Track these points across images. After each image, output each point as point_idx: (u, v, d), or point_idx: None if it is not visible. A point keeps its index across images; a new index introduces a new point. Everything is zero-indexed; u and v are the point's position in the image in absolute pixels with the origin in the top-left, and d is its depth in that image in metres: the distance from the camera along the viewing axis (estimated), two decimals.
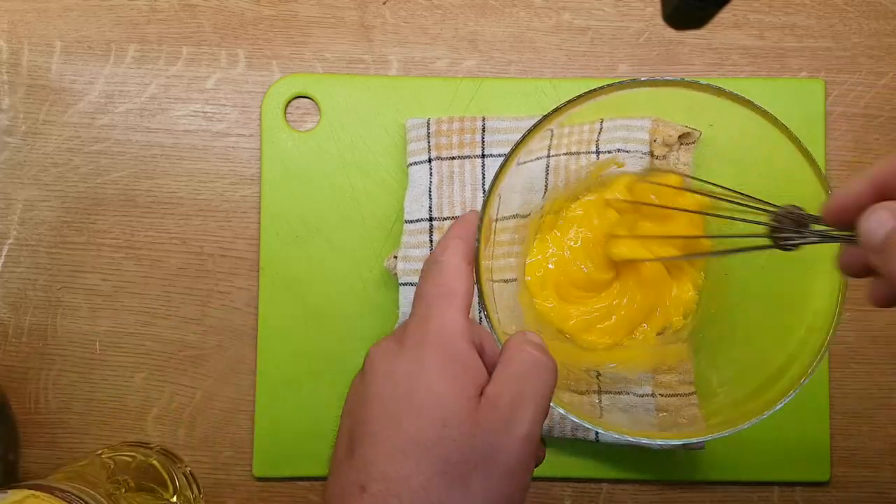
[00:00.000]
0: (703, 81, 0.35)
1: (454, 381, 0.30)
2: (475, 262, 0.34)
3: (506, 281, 0.41)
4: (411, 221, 0.44)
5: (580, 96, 0.35)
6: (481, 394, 0.31)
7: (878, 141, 0.47)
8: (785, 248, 0.31)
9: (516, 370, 0.31)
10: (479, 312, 0.37)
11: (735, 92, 0.34)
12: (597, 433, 0.43)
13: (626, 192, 0.42)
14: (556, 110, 0.35)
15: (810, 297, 0.36)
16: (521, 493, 0.30)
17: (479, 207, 0.44)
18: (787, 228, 0.30)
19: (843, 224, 0.29)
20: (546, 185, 0.42)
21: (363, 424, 0.31)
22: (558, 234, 0.43)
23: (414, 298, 0.33)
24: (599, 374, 0.42)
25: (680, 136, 0.42)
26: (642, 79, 0.35)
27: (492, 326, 0.34)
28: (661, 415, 0.40)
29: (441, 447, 0.29)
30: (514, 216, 0.42)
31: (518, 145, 0.35)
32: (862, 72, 0.47)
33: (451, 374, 0.31)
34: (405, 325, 0.33)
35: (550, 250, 0.43)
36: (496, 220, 0.38)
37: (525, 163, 0.40)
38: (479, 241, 0.34)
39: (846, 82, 0.47)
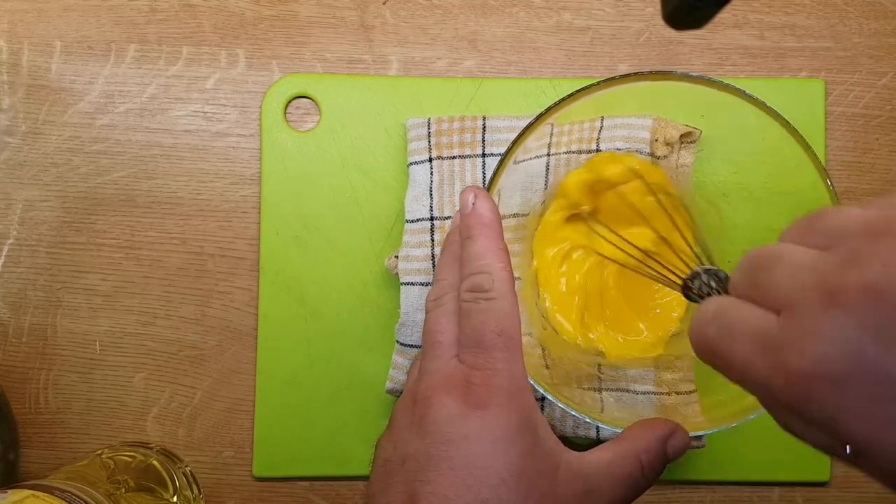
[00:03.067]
0: (697, 74, 0.35)
1: (532, 448, 0.30)
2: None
3: None
4: (412, 221, 0.44)
5: (576, 92, 0.35)
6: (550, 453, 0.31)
7: (878, 141, 0.47)
8: (692, 300, 0.32)
9: (617, 472, 0.32)
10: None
11: (731, 84, 0.35)
12: (598, 431, 0.43)
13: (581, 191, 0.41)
14: (551, 108, 0.35)
15: None
16: None
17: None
18: (697, 285, 0.32)
19: None
20: (546, 184, 0.42)
21: (431, 485, 0.30)
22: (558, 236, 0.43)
23: (467, 334, 0.32)
24: (601, 370, 0.42)
25: (681, 136, 0.42)
26: (637, 72, 0.35)
27: None
28: (662, 413, 0.40)
29: None
30: (515, 215, 0.42)
31: (514, 143, 0.36)
32: (862, 72, 0.47)
33: (527, 440, 0.30)
34: (465, 374, 0.31)
35: (553, 251, 0.43)
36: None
37: (524, 161, 0.40)
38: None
39: (846, 82, 0.47)
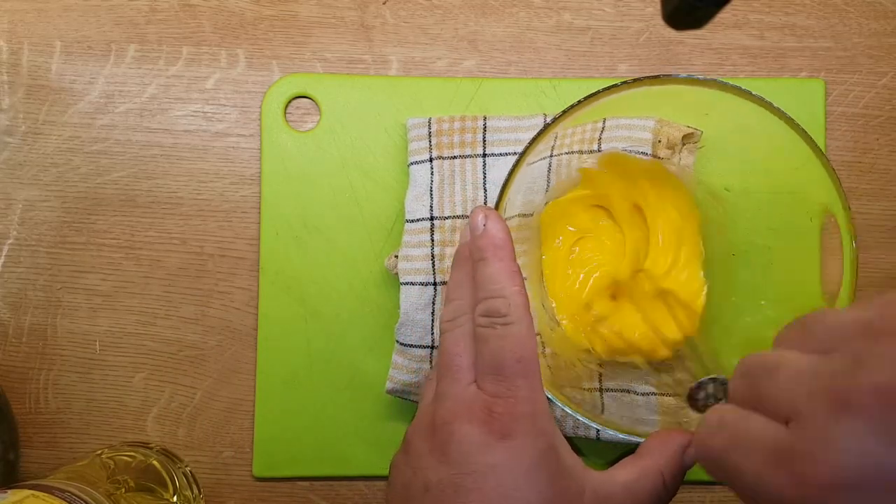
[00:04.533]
0: (705, 77, 0.35)
1: (558, 474, 0.30)
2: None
3: None
4: (412, 221, 0.44)
5: (596, 93, 0.34)
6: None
7: (878, 141, 0.47)
8: (694, 408, 0.33)
9: (640, 491, 0.32)
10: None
11: (738, 85, 0.34)
12: (598, 431, 0.43)
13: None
14: (565, 112, 0.35)
15: (816, 300, 0.36)
16: None
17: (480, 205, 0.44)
18: (703, 396, 0.33)
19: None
20: (548, 184, 0.42)
21: None
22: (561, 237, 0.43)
23: (485, 361, 0.32)
24: (603, 371, 0.42)
25: (683, 137, 0.42)
26: (656, 76, 0.35)
27: None
28: (662, 414, 0.40)
29: None
30: (518, 216, 0.42)
31: (527, 148, 0.35)
32: (862, 72, 0.47)
33: (553, 467, 0.30)
34: (486, 402, 0.31)
35: (559, 250, 0.43)
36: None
37: (530, 164, 0.40)
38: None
39: (846, 82, 0.47)
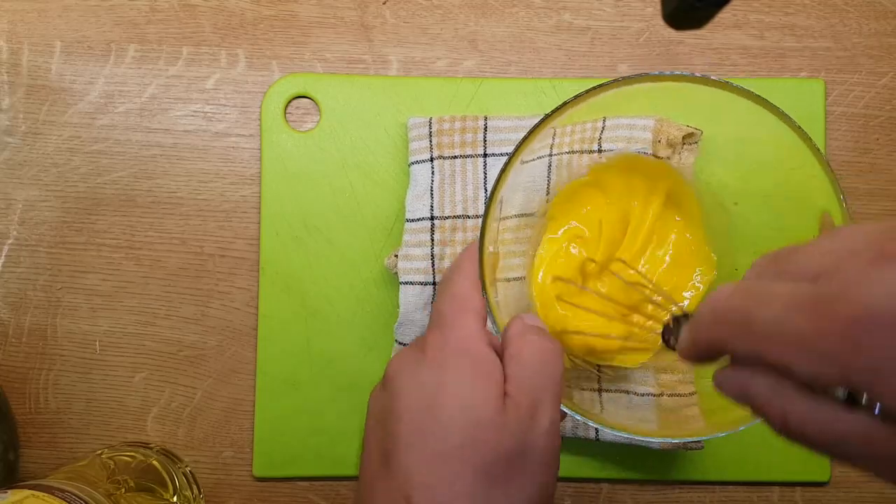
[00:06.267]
0: (703, 74, 0.35)
1: (479, 384, 0.31)
2: (479, 264, 0.34)
3: (509, 280, 0.41)
4: (412, 220, 0.44)
5: (584, 93, 0.34)
6: (504, 392, 0.31)
7: (879, 141, 0.47)
8: (669, 346, 0.33)
9: (527, 365, 0.32)
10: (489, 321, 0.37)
11: (736, 84, 0.34)
12: (597, 432, 0.43)
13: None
14: (557, 110, 0.35)
15: None
16: (555, 478, 0.32)
17: (480, 206, 0.44)
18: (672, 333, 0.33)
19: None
20: (548, 184, 0.42)
21: (395, 437, 0.31)
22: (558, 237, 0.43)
23: (432, 315, 0.34)
24: (601, 371, 0.42)
25: (683, 137, 0.42)
26: (645, 74, 0.35)
27: (497, 329, 0.34)
28: (661, 415, 0.40)
29: (477, 450, 0.29)
30: (518, 215, 0.42)
31: (520, 145, 0.35)
32: (862, 72, 0.47)
33: (475, 378, 0.31)
34: (424, 338, 0.33)
35: (559, 248, 0.43)
36: (499, 219, 0.38)
37: (527, 162, 0.40)
38: (481, 247, 0.34)
39: (846, 82, 0.47)
